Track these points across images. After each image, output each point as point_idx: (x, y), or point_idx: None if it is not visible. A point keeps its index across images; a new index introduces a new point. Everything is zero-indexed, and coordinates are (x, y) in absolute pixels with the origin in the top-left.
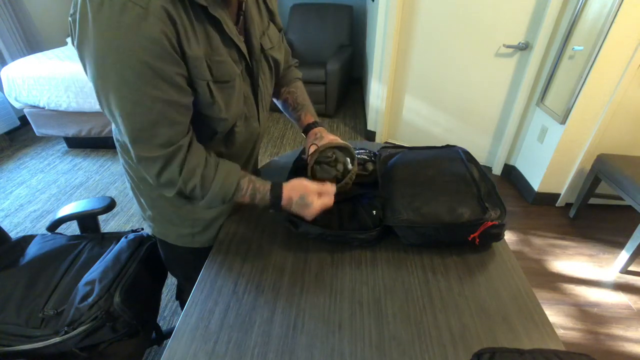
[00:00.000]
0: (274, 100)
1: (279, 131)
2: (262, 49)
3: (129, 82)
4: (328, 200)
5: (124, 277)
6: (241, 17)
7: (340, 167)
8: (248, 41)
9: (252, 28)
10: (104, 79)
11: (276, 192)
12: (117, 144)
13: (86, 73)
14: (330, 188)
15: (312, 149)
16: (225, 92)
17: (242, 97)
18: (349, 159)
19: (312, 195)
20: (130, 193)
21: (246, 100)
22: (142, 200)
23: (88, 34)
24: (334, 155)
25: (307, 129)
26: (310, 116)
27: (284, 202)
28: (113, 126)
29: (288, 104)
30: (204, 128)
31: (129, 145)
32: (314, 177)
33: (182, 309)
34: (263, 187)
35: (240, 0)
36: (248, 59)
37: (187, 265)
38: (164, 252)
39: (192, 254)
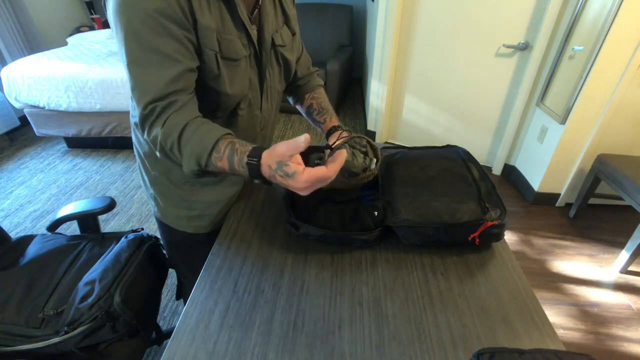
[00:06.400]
0: (298, 107)
1: (278, 131)
2: (274, 44)
3: (135, 33)
4: (318, 172)
5: (124, 277)
6: (256, 11)
7: (367, 160)
8: (260, 33)
9: (265, 22)
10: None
11: (254, 154)
12: (131, 122)
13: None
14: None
15: (345, 134)
16: (230, 69)
17: (248, 80)
18: (375, 160)
19: (293, 164)
20: (139, 179)
21: (251, 85)
22: (145, 177)
23: None
24: (367, 146)
25: (331, 131)
26: (334, 120)
27: (263, 168)
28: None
29: (313, 109)
30: (207, 103)
31: (133, 96)
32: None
33: (184, 303)
34: (242, 149)
35: None
36: (257, 47)
37: (185, 251)
38: (164, 236)
39: (190, 240)
